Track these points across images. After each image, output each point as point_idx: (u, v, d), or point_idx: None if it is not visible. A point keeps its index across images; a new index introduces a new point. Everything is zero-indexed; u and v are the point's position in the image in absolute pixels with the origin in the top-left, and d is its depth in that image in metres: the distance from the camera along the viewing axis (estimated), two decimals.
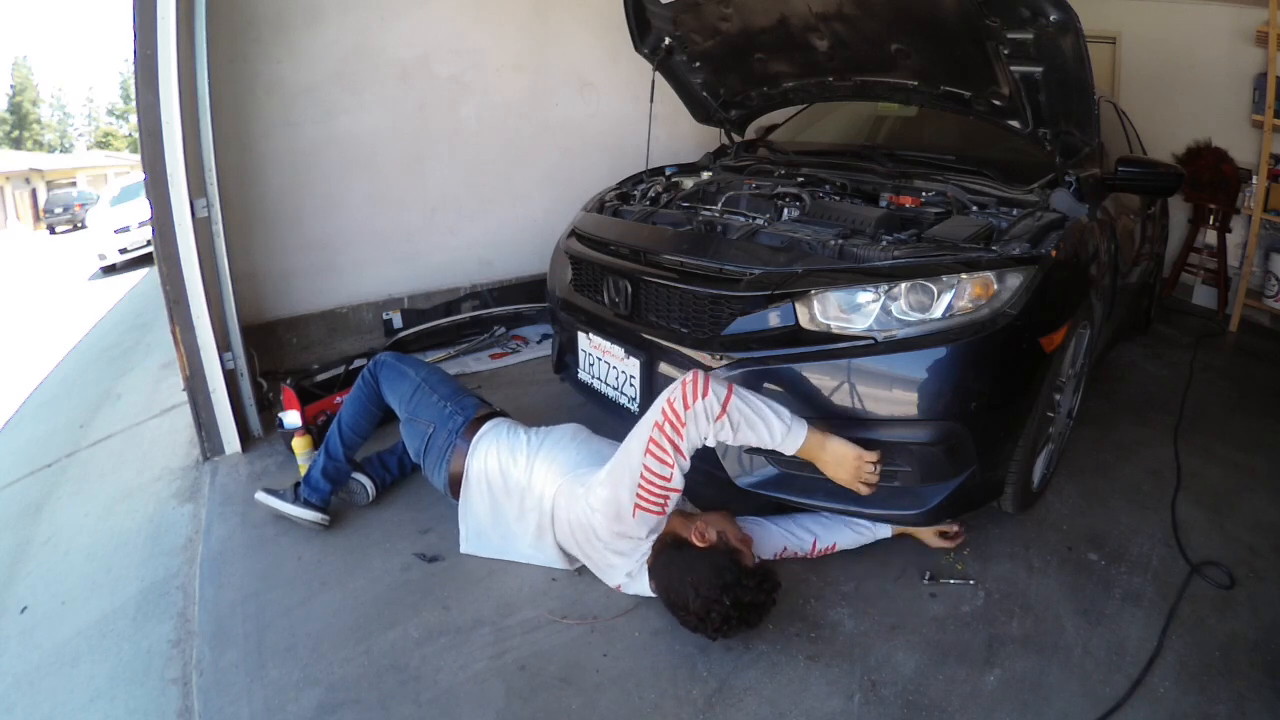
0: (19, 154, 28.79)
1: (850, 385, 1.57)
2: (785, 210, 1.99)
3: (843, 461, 1.52)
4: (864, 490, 1.54)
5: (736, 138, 2.98)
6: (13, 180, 22.46)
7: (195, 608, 1.69)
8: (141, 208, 8.47)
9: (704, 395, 1.42)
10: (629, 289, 1.92)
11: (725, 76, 2.70)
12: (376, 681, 1.44)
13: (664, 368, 1.83)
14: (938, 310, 1.56)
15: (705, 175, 2.59)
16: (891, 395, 1.55)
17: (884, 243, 1.69)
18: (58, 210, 20.24)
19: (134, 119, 2.75)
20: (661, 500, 1.46)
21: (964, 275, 1.57)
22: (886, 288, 1.59)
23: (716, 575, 1.42)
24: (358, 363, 2.61)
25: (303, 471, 2.00)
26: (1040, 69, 1.79)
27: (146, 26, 1.96)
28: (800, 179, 2.24)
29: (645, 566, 1.56)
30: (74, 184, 24.34)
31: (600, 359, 2.04)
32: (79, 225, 18.23)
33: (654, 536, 1.54)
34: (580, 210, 2.46)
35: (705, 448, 1.48)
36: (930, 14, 1.87)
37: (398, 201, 3.42)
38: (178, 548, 1.96)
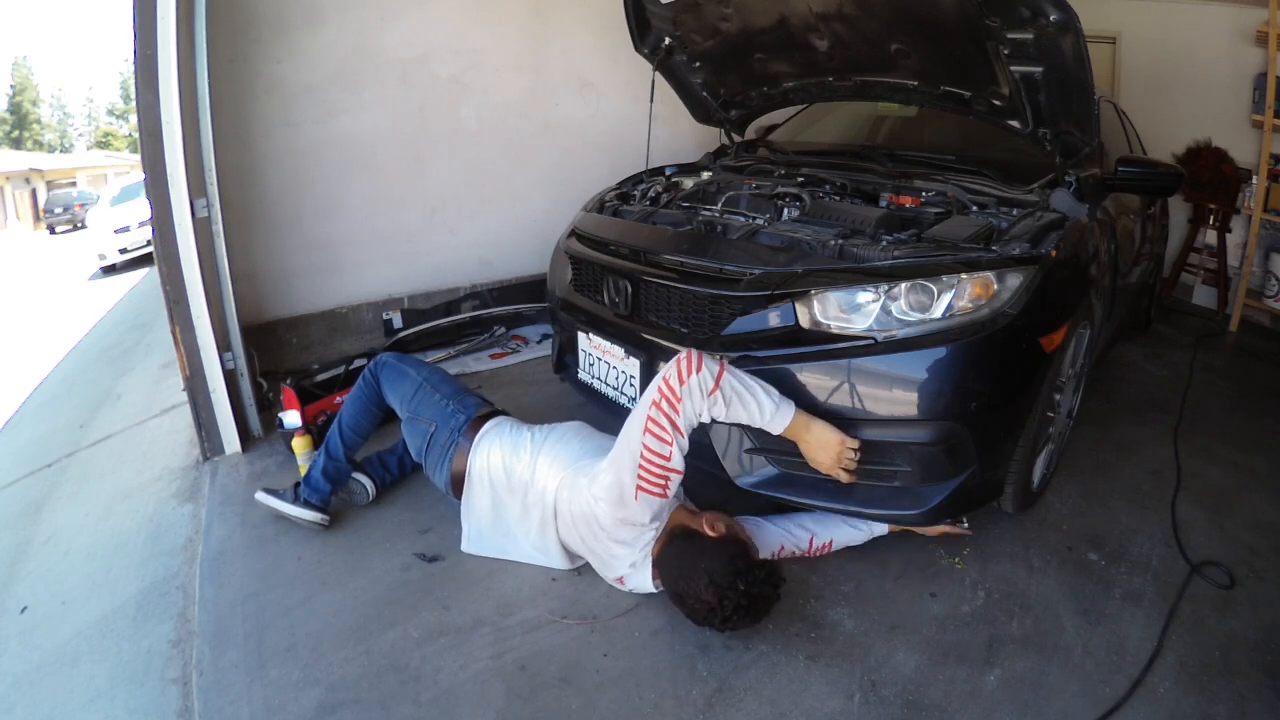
0: (19, 154, 28.79)
1: (850, 385, 1.57)
2: (785, 210, 1.99)
3: (826, 445, 1.54)
4: (844, 477, 1.56)
5: (736, 138, 2.98)
6: (13, 180, 22.46)
7: (195, 608, 1.69)
8: (141, 208, 8.48)
9: (698, 370, 1.45)
10: (629, 289, 1.92)
11: (725, 76, 2.70)
12: (376, 681, 1.44)
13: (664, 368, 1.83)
14: (938, 310, 1.56)
15: (705, 175, 2.59)
16: (891, 395, 1.56)
17: (884, 243, 1.70)
18: (58, 210, 20.23)
19: (134, 119, 2.75)
20: (662, 481, 1.47)
21: (964, 275, 1.57)
22: (886, 288, 1.59)
23: (730, 563, 1.44)
24: (358, 363, 2.61)
25: (303, 471, 2.00)
26: (1040, 69, 1.79)
27: (146, 26, 1.96)
28: (800, 179, 2.24)
29: (649, 557, 1.56)
30: (74, 184, 24.34)
31: (600, 359, 2.04)
32: (79, 225, 18.23)
33: (657, 524, 1.55)
34: (580, 210, 2.46)
35: (705, 448, 1.48)
36: (930, 14, 1.87)
37: (398, 201, 3.42)
38: (178, 548, 1.96)
